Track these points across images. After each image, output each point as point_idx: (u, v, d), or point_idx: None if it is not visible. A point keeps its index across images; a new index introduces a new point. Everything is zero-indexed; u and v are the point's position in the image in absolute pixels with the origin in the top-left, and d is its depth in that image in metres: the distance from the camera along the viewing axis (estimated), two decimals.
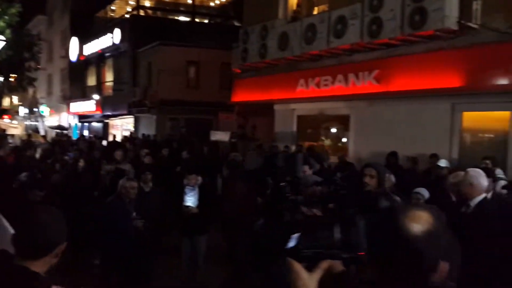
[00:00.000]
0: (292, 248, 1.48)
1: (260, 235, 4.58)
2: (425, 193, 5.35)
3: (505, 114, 8.84)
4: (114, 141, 19.59)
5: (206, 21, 25.77)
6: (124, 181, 5.85)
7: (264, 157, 11.11)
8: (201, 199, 6.30)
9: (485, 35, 8.33)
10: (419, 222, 1.43)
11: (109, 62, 26.23)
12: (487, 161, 6.94)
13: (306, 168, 6.44)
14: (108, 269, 5.86)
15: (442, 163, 7.23)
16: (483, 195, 4.13)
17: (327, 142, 13.25)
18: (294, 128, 13.54)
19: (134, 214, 5.73)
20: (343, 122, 12.32)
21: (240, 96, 14.68)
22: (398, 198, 3.99)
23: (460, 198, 4.32)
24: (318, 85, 11.40)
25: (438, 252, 1.41)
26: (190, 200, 6.25)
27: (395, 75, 9.83)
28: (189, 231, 6.38)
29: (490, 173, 4.85)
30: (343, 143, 12.54)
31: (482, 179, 4.13)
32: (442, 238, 1.44)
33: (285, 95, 12.50)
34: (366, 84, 10.35)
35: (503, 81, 8.14)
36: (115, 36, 23.17)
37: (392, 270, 1.46)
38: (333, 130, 13.17)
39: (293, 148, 11.94)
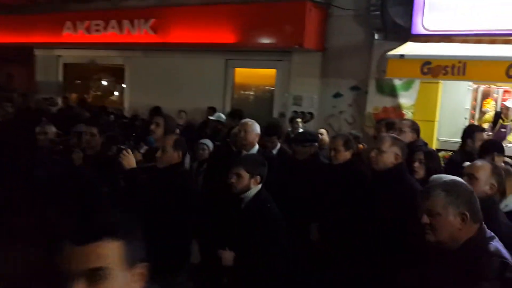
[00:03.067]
0: None
1: None
2: (209, 144, 5.56)
3: (272, 71, 9.49)
4: None
5: None
6: None
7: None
8: None
9: None
10: None
11: None
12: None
13: None
14: None
15: (219, 116, 7.33)
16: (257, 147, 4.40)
17: (99, 94, 12.28)
18: (60, 78, 12.09)
19: None
20: (117, 73, 11.51)
21: None
22: None
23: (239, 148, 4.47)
24: (88, 30, 10.25)
25: None
26: None
27: (172, 26, 9.49)
28: None
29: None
30: (118, 95, 11.79)
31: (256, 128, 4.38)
32: None
33: (48, 39, 10.90)
34: (142, 33, 9.74)
35: (271, 40, 8.63)
36: None
37: None
38: (106, 81, 12.25)
39: (59, 100, 10.65)
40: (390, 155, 3.32)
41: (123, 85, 11.46)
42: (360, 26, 8.44)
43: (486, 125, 8.53)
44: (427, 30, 7.37)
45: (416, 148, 4.01)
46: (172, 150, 3.39)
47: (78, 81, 12.51)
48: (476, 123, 8.76)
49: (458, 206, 2.08)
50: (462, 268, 2.02)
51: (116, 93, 12.14)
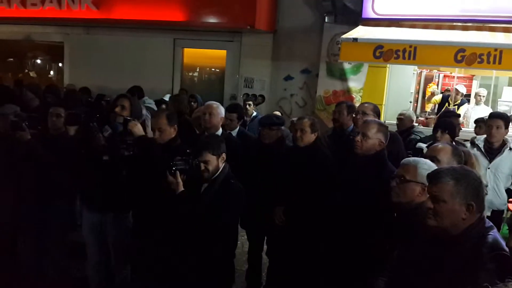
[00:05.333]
0: None
1: None
2: None
3: (222, 52, 9.31)
4: None
5: None
6: None
7: None
8: None
9: None
10: None
11: None
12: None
13: None
14: None
15: (166, 97, 7.10)
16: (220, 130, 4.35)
17: (33, 74, 11.53)
18: None
19: None
20: (55, 50, 10.82)
21: None
22: None
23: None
24: (24, 4, 9.50)
25: None
26: None
27: (116, 1, 9.00)
28: None
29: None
30: (55, 74, 11.13)
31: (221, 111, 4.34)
32: None
33: None
34: (83, 9, 9.15)
35: (221, 20, 8.42)
36: None
37: None
38: (42, 59, 11.51)
39: None
40: (375, 141, 3.34)
41: (61, 64, 10.82)
42: (311, 8, 8.44)
43: (430, 107, 8.91)
44: (377, 14, 7.50)
45: None
46: (168, 128, 3.58)
47: (11, 59, 11.66)
48: (419, 106, 9.13)
49: (465, 197, 2.08)
50: (461, 255, 2.04)
51: (52, 72, 11.45)
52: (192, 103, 7.27)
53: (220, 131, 4.28)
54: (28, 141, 3.88)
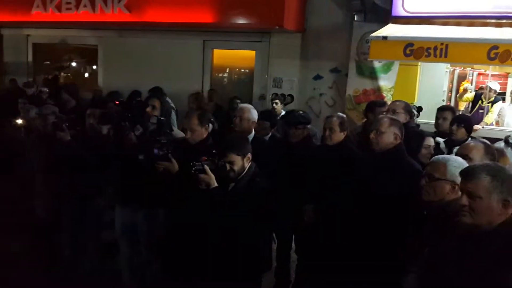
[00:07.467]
0: None
1: None
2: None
3: (251, 53, 9.37)
4: None
5: None
6: None
7: None
8: None
9: None
10: None
11: None
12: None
13: None
14: None
15: None
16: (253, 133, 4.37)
17: (68, 76, 11.87)
18: (30, 59, 11.60)
19: None
20: (89, 53, 11.13)
21: None
22: None
23: None
24: (59, 8, 9.81)
25: None
26: None
27: (147, 4, 9.18)
28: None
29: None
30: (89, 77, 11.43)
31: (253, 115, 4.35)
32: None
33: (16, 17, 10.38)
34: (116, 12, 9.39)
35: (250, 20, 8.49)
36: None
37: None
38: (77, 62, 11.84)
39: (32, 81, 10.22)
40: (389, 135, 3.32)
41: (94, 67, 11.11)
42: (340, 7, 8.41)
43: (463, 106, 8.72)
44: (407, 11, 7.40)
45: (409, 129, 4.04)
46: (199, 128, 3.64)
47: (48, 62, 12.05)
48: (452, 104, 8.95)
49: (502, 192, 2.07)
50: (493, 251, 2.03)
51: (86, 74, 11.76)
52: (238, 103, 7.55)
53: (252, 134, 4.26)
54: (68, 142, 4.02)
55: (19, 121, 5.35)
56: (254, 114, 4.32)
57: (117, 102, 4.64)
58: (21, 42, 11.42)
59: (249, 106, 4.42)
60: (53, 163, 4.34)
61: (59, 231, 4.64)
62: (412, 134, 4.05)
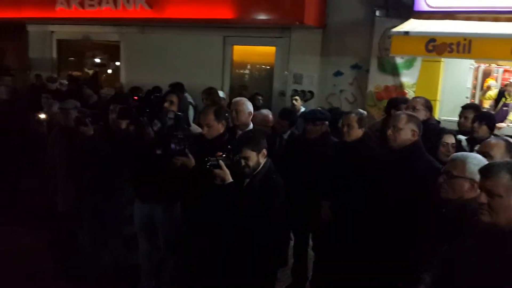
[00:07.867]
0: None
1: None
2: None
3: (271, 49, 9.35)
4: None
5: None
6: None
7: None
8: None
9: None
10: None
11: None
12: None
13: None
14: None
15: (221, 94, 7.22)
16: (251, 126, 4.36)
17: (92, 71, 12.05)
18: (54, 55, 11.83)
19: None
20: (112, 49, 11.28)
21: None
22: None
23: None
24: (82, 5, 9.98)
25: None
26: None
27: (168, 1, 9.26)
28: None
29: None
30: (112, 73, 11.58)
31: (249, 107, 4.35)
32: None
33: (41, 14, 10.60)
34: (137, 9, 9.50)
35: (270, 16, 8.46)
36: None
37: None
38: (100, 58, 12.01)
39: (56, 76, 10.41)
40: (407, 132, 3.27)
41: (117, 63, 11.25)
42: (361, 2, 8.32)
43: (488, 103, 8.53)
44: (430, 6, 7.28)
45: (429, 126, 3.98)
46: (216, 123, 3.66)
47: (72, 58, 12.26)
48: (477, 102, 8.77)
49: None
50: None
51: (109, 70, 11.92)
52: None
53: (250, 126, 4.27)
54: (91, 136, 4.08)
55: (42, 116, 5.49)
56: (250, 106, 4.32)
57: (135, 98, 4.67)
58: (46, 39, 11.65)
59: (243, 98, 4.44)
60: (75, 157, 4.40)
61: (80, 225, 4.72)
62: (433, 131, 3.99)
